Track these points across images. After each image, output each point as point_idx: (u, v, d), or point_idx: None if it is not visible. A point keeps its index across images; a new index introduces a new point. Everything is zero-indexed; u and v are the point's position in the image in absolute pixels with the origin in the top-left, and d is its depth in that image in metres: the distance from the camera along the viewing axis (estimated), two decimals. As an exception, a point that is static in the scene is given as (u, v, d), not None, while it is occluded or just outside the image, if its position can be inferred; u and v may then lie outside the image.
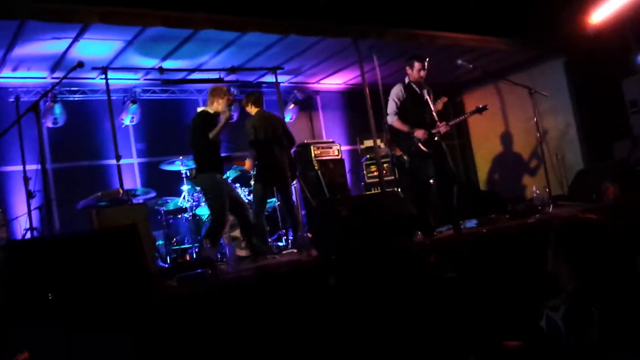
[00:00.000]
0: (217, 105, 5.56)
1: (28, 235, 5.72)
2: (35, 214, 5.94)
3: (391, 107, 5.86)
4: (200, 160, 5.65)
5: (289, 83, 9.35)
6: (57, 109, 7.35)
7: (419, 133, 5.67)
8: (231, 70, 7.66)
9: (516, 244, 4.75)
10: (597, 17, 8.28)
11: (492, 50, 8.52)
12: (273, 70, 7.66)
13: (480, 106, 5.89)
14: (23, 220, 6.16)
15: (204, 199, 6.41)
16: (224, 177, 6.12)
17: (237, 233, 6.71)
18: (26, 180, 5.24)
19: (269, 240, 6.80)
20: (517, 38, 8.56)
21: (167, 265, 6.34)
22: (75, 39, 6.28)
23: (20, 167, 5.42)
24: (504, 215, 6.05)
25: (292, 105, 9.38)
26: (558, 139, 9.37)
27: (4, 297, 2.68)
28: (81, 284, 2.78)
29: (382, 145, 8.55)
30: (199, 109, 5.53)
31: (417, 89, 5.86)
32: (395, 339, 3.14)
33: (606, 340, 2.05)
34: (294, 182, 6.51)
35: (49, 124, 7.36)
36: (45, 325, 2.52)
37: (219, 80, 7.75)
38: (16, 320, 2.49)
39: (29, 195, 5.16)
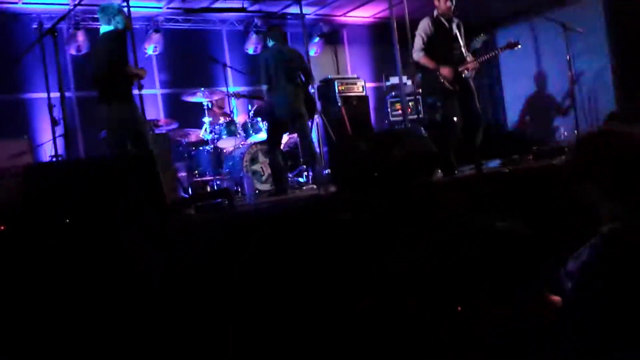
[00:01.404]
0: (117, 24, 4.91)
1: (52, 162, 5.82)
2: (60, 141, 6.01)
3: (418, 42, 5.67)
4: (120, 87, 4.89)
5: (315, 15, 9.10)
6: (80, 36, 7.30)
7: (445, 71, 5.50)
8: (254, -1, 7.48)
9: (540, 186, 4.68)
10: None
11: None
12: (297, 0, 7.45)
13: (512, 41, 5.67)
14: (48, 147, 6.26)
15: (122, 137, 4.99)
16: None
17: (257, 167, 6.74)
18: (50, 107, 5.24)
19: (289, 175, 6.82)
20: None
21: (187, 196, 6.43)
22: (98, -36, 6.15)
23: (45, 95, 5.43)
24: (528, 156, 5.93)
25: (317, 39, 9.17)
26: (591, 81, 9.04)
27: (20, 218, 2.75)
28: (95, 207, 2.82)
29: (408, 83, 8.36)
30: (107, 29, 4.91)
31: (445, 23, 5.64)
32: (409, 276, 3.14)
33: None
34: (313, 119, 6.41)
35: (73, 52, 7.34)
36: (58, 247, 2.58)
37: (242, 9, 7.59)
38: (31, 241, 2.56)
39: (53, 122, 5.19)
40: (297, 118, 5.88)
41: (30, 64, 6.57)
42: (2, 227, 3.16)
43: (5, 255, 2.71)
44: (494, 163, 5.88)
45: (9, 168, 5.96)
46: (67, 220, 2.74)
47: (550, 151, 5.88)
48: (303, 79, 6.01)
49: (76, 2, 5.98)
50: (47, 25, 7.18)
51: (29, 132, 7.07)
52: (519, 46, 5.64)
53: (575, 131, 6.33)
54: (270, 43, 6.06)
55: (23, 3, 7.06)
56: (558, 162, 5.35)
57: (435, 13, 5.67)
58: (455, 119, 5.59)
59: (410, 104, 8.56)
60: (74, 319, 2.54)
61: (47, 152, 6.57)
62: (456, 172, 5.44)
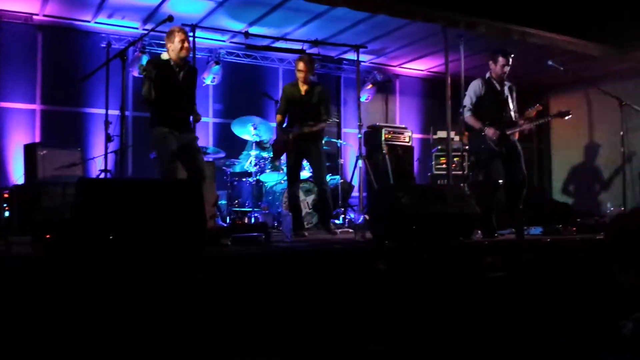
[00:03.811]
0: (169, 51, 4.98)
1: (102, 177, 6.00)
2: (110, 157, 6.21)
3: (467, 101, 5.70)
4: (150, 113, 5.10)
5: (370, 63, 9.28)
6: (144, 59, 7.58)
7: (490, 132, 5.50)
8: (314, 43, 7.65)
9: (579, 259, 4.56)
10: None
11: (585, 56, 8.09)
12: (356, 47, 7.59)
13: (563, 110, 5.63)
14: (99, 161, 6.47)
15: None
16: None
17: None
18: (107, 123, 5.44)
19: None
20: (616, 47, 8.09)
21: (225, 225, 6.51)
22: (170, -6, 6.48)
23: (103, 111, 5.65)
24: (571, 227, 5.80)
25: (369, 86, 9.31)
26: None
27: (71, 229, 2.84)
28: (141, 225, 2.90)
29: (456, 138, 8.35)
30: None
31: (497, 85, 5.67)
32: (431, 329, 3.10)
33: None
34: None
35: (135, 73, 7.63)
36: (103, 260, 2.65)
37: (301, 51, 7.75)
38: (79, 251, 2.63)
39: (108, 138, 5.37)
40: None
41: (93, 80, 6.87)
42: (47, 236, 3.27)
43: (47, 264, 2.80)
44: (536, 230, 5.78)
45: (60, 176, 6.24)
46: (111, 237, 2.82)
47: (595, 226, 5.76)
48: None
49: (148, 30, 6.24)
50: (115, 45, 7.53)
51: (83, 145, 7.34)
52: (570, 116, 5.58)
53: (622, 208, 6.17)
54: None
55: (95, 22, 7.43)
56: (601, 237, 5.22)
57: (487, 75, 5.71)
58: (500, 181, 5.54)
59: (455, 159, 8.53)
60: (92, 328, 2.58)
61: (97, 165, 6.80)
62: (496, 234, 5.36)
